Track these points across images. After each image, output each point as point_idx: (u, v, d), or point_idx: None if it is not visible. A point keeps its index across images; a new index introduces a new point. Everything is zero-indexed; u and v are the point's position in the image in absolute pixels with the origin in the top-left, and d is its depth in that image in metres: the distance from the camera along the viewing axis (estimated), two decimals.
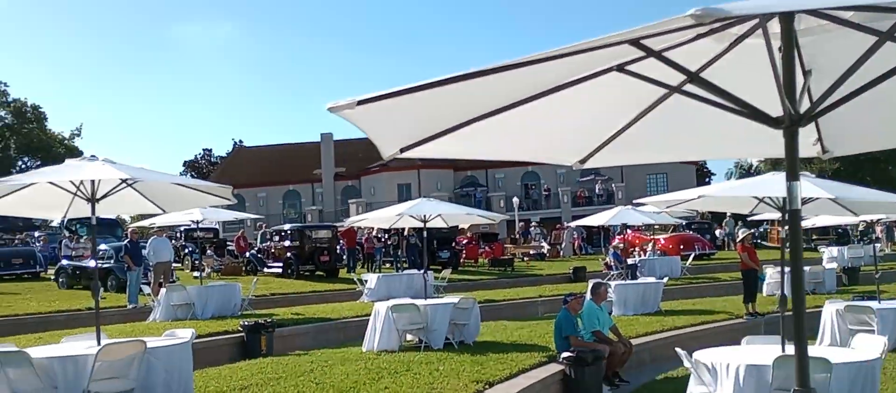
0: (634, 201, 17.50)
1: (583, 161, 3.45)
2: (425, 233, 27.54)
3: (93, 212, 7.88)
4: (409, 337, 12.28)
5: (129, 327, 14.67)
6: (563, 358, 9.93)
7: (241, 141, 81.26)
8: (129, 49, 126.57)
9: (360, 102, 2.47)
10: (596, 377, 9.87)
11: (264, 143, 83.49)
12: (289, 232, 27.60)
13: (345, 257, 29.01)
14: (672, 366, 12.03)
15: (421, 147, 3.03)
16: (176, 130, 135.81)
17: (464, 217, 14.31)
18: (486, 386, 8.91)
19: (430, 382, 9.01)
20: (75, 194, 8.01)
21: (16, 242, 35.15)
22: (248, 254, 30.05)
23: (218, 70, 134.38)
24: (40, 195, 8.15)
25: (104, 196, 7.91)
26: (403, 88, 2.42)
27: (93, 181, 7.73)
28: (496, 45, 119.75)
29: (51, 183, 7.78)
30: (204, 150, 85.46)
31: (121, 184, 7.98)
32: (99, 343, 7.63)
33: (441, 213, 13.12)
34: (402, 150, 3.02)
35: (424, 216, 12.76)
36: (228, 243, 32.89)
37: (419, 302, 12.11)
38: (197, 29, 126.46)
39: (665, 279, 18.44)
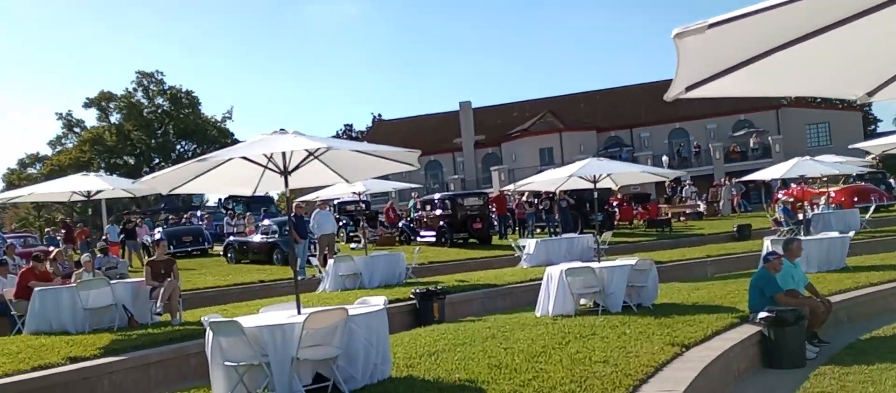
0: (851, 147, 16.12)
1: (871, 93, 3.14)
2: (575, 196, 27.10)
3: (286, 185, 8.16)
4: (583, 301, 12.10)
5: (303, 298, 15.30)
6: (761, 319, 9.43)
7: (379, 115, 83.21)
8: (266, 31, 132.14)
9: (711, 26, 2.30)
10: (798, 338, 9.32)
11: (403, 115, 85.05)
12: (440, 201, 27.95)
13: (496, 224, 29.10)
14: (874, 324, 11.25)
15: (705, 86, 2.82)
16: (317, 108, 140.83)
17: (636, 175, 13.88)
18: (683, 349, 8.60)
19: (621, 345, 8.80)
20: (266, 167, 8.32)
21: (183, 221, 37.68)
22: (400, 224, 30.75)
23: (352, 47, 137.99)
24: (233, 171, 8.53)
25: (295, 168, 8.16)
26: (747, 11, 2.23)
27: (284, 154, 7.99)
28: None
29: (244, 158, 8.09)
30: (345, 125, 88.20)
31: (308, 156, 8.21)
32: (299, 312, 7.93)
33: (611, 172, 12.79)
34: (687, 89, 2.82)
35: (594, 176, 12.46)
36: (379, 215, 33.81)
37: (594, 265, 11.88)
38: (326, 10, 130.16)
39: (851, 233, 17.23)
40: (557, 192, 21.76)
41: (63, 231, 28.83)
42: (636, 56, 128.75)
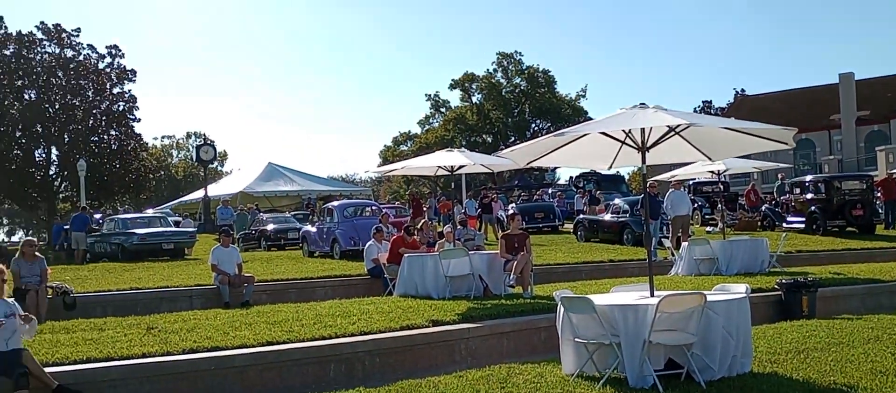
0: None
1: None
2: None
3: (643, 161, 7.99)
4: None
5: (655, 281, 15.00)
6: None
7: (742, 90, 78.51)
8: (621, 7, 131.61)
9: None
10: None
11: (768, 89, 79.12)
12: (813, 183, 25.55)
13: (882, 211, 25.81)
14: None
15: None
16: (672, 84, 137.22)
17: None
18: None
19: None
20: (623, 143, 8.22)
21: (535, 198, 39.29)
22: (763, 208, 28.77)
23: (714, 18, 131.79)
24: (589, 145, 8.57)
25: (653, 145, 7.95)
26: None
27: (642, 130, 7.82)
28: None
29: (602, 133, 8.07)
30: (703, 102, 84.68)
31: (668, 131, 7.93)
32: (652, 294, 7.73)
33: None
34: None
35: None
36: (739, 197, 31.95)
37: None
38: None
39: None
40: None
41: (411, 206, 31.44)
42: None
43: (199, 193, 48.08)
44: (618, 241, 23.86)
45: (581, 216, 28.78)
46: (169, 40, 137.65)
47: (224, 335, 9.43)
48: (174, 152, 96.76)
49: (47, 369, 7.55)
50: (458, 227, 18.68)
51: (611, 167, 8.94)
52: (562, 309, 7.57)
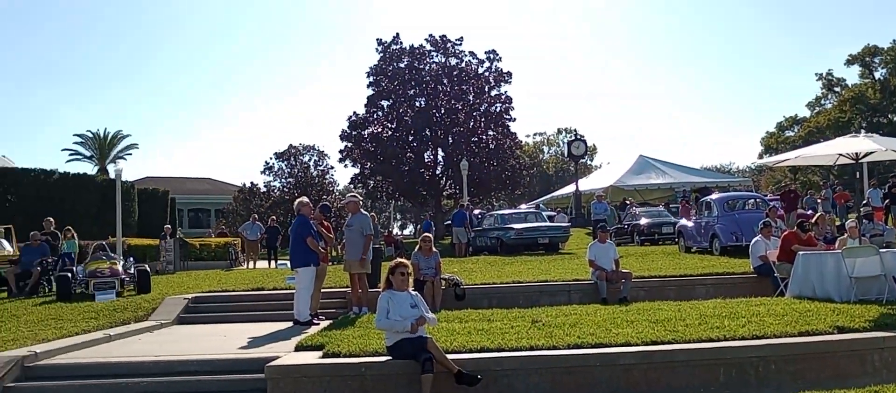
0: None
1: None
2: None
3: None
4: None
5: None
6: None
7: None
8: None
9: None
10: None
11: None
12: None
13: None
14: None
15: None
16: None
17: None
18: None
19: None
20: None
21: None
22: None
23: None
24: None
25: None
26: None
27: None
28: None
29: None
30: None
31: None
32: None
33: None
34: None
35: None
36: None
37: None
38: None
39: None
40: None
41: (783, 201, 28.66)
42: None
43: (569, 188, 49.62)
44: None
45: None
46: (543, 36, 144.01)
47: (606, 332, 9.57)
48: (545, 148, 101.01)
49: (448, 355, 8.32)
50: (864, 221, 16.84)
51: None
52: None
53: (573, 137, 55.92)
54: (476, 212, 35.68)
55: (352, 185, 50.31)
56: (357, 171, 49.71)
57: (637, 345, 8.80)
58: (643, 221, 28.92)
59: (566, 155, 53.86)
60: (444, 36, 50.03)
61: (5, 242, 21.21)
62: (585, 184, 46.98)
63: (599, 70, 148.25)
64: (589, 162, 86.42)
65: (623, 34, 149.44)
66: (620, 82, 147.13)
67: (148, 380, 8.79)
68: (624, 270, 15.03)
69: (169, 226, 30.79)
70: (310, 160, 61.30)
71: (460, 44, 50.26)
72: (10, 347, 9.96)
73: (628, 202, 35.83)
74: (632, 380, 8.45)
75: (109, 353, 10.29)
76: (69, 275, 16.78)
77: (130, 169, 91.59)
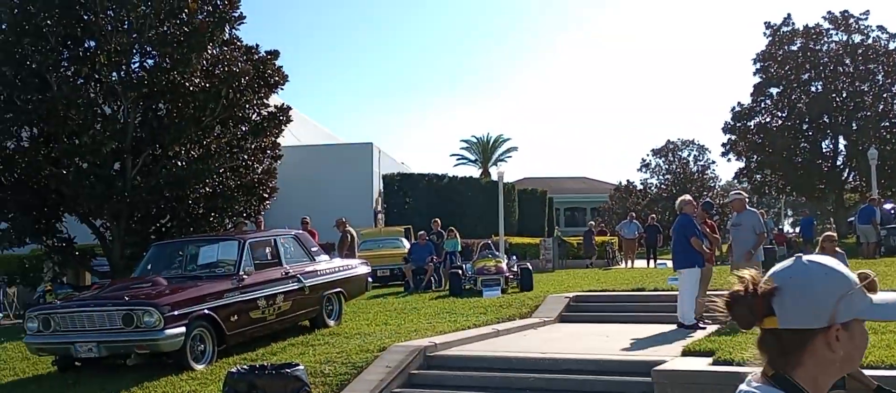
0: None
1: None
2: None
3: None
4: None
5: None
6: None
7: None
8: None
9: None
10: None
11: None
12: None
13: None
14: None
15: None
16: None
17: None
18: None
19: None
20: None
21: None
22: None
23: None
24: None
25: None
26: None
27: None
28: None
29: None
30: None
31: None
32: None
33: None
34: None
35: None
36: None
37: None
38: None
39: None
40: None
41: None
42: None
43: None
44: None
45: None
46: None
47: None
48: None
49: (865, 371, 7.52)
50: None
51: None
52: None
53: None
54: (888, 207, 31.88)
55: (736, 181, 48.31)
56: (742, 165, 47.65)
57: None
58: None
59: None
60: (846, 11, 45.76)
61: (404, 241, 23.77)
62: None
63: None
64: None
65: None
66: None
67: (535, 375, 9.20)
68: None
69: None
70: (689, 155, 59.99)
71: (866, 18, 45.60)
72: (413, 337, 11.11)
73: None
74: None
75: (498, 347, 10.98)
76: (459, 272, 18.31)
77: (511, 170, 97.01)
